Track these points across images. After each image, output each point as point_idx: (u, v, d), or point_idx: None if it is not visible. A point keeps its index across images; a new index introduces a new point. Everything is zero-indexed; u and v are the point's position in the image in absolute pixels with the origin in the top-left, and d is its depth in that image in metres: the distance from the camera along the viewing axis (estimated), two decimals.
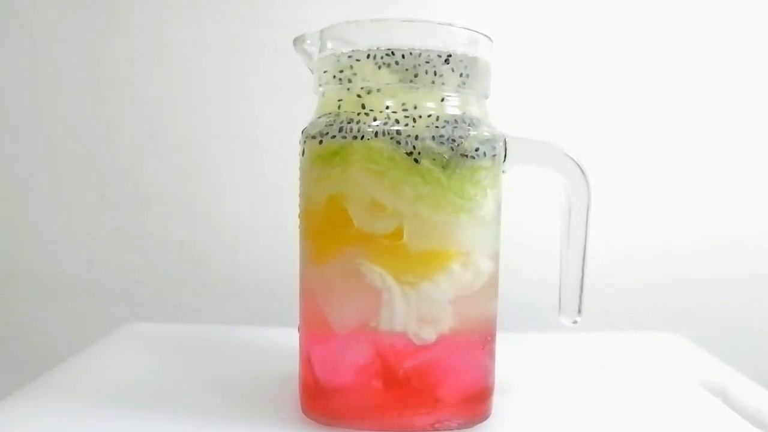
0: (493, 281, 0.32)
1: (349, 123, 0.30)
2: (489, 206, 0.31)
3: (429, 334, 0.30)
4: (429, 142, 0.29)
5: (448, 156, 0.29)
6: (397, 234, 0.29)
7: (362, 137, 0.29)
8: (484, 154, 0.30)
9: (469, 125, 0.30)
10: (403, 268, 0.29)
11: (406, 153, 0.29)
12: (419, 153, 0.29)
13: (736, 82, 0.60)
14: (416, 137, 0.29)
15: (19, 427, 0.31)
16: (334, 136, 0.30)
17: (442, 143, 0.29)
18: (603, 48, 0.59)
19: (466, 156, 0.29)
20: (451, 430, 0.31)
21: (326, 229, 0.31)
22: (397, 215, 0.29)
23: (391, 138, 0.29)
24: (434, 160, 0.29)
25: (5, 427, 0.31)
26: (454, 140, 0.29)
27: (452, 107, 0.30)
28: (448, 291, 0.30)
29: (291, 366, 0.35)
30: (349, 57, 0.30)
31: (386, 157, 0.29)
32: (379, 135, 0.29)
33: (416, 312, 0.29)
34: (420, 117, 0.29)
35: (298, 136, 0.32)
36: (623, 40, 0.59)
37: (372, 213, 0.29)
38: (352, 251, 0.30)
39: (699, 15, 0.59)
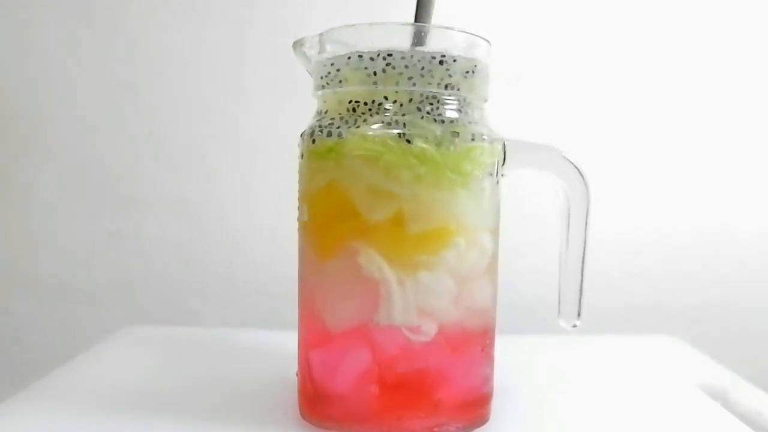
0: (493, 265, 0.32)
1: (347, 123, 0.30)
2: (486, 181, 0.31)
3: (429, 327, 0.30)
4: (418, 120, 0.29)
5: (440, 132, 0.29)
6: (397, 218, 0.29)
7: (357, 127, 0.29)
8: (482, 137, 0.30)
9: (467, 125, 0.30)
10: (404, 252, 0.29)
11: (398, 134, 0.29)
12: (410, 132, 0.29)
13: (732, 83, 0.60)
14: (404, 114, 0.29)
15: (18, 430, 0.31)
16: (330, 134, 0.30)
17: (433, 120, 0.29)
18: (600, 50, 0.59)
19: (457, 133, 0.30)
20: None
21: (325, 223, 0.31)
22: (395, 199, 0.29)
23: (382, 122, 0.29)
24: (427, 138, 0.29)
25: (5, 430, 0.31)
26: (443, 121, 0.29)
27: (451, 110, 0.30)
28: (446, 279, 0.30)
29: (289, 369, 0.35)
30: (348, 60, 0.30)
31: (379, 143, 0.29)
32: (370, 122, 0.29)
33: (414, 303, 0.29)
34: (411, 102, 0.30)
35: (297, 138, 0.32)
36: (621, 42, 0.59)
37: (370, 199, 0.29)
38: (352, 241, 0.29)
39: (694, 13, 0.59)
